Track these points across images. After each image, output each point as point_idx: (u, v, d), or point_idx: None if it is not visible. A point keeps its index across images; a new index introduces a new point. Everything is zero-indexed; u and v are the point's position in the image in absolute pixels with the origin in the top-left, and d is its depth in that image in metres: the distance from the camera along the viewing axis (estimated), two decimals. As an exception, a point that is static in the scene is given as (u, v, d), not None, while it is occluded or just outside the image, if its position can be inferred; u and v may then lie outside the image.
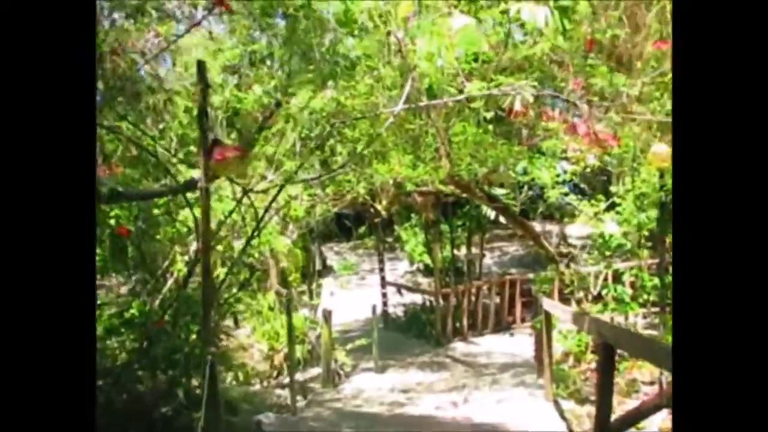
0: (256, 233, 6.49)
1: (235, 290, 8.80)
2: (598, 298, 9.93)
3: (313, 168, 9.07)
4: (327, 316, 8.69)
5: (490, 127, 9.04)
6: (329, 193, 8.85)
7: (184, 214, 7.07)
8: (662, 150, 6.60)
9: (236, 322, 10.64)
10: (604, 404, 4.21)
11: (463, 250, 14.79)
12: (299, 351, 10.49)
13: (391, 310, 14.14)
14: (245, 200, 6.55)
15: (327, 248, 23.36)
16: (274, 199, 6.39)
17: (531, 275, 13.52)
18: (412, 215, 18.72)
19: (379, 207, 8.56)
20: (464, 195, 10.13)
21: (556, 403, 6.64)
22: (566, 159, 10.00)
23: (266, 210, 6.68)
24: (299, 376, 10.40)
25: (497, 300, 12.72)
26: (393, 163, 8.20)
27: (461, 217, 15.39)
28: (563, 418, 6.13)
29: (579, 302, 9.61)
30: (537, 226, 22.88)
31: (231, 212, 6.66)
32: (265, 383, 10.27)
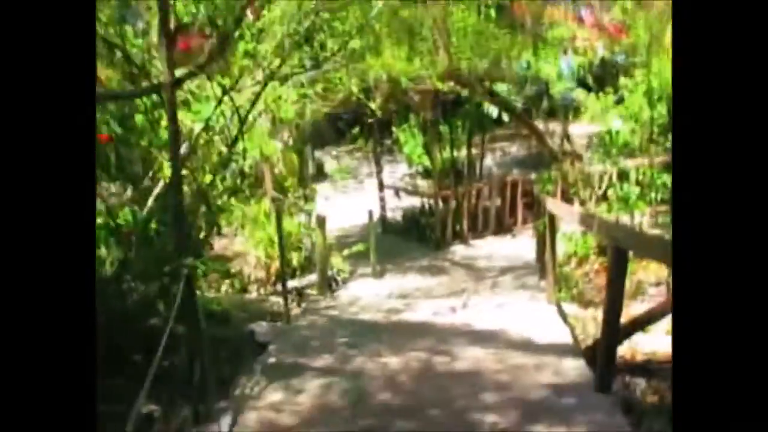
0: (239, 136, 6.05)
1: (226, 197, 8.46)
2: (603, 197, 9.60)
3: (301, 66, 8.50)
4: (321, 222, 8.36)
5: (492, 14, 8.41)
6: (320, 91, 8.30)
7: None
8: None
9: (220, 231, 10.29)
10: (612, 309, 3.92)
11: (463, 151, 14.32)
12: (295, 258, 10.27)
13: (389, 214, 13.84)
14: (229, 102, 6.09)
15: (324, 152, 22.88)
16: (258, 97, 5.90)
17: (533, 176, 13.17)
18: (411, 116, 18.12)
19: (373, 106, 8.03)
20: (464, 92, 9.57)
21: (559, 307, 6.40)
22: (574, 51, 9.40)
23: (249, 110, 6.22)
24: (296, 283, 10.22)
25: (498, 202, 12.39)
26: (386, 57, 7.62)
27: (461, 117, 14.83)
28: (566, 322, 5.89)
29: (583, 202, 9.27)
30: (540, 125, 22.38)
31: (212, 114, 6.20)
32: (262, 290, 10.10)
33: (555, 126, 20.80)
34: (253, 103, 5.82)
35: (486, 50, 8.26)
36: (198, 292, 7.50)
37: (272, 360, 5.43)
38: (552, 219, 6.41)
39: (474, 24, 8.10)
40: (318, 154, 21.95)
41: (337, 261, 9.20)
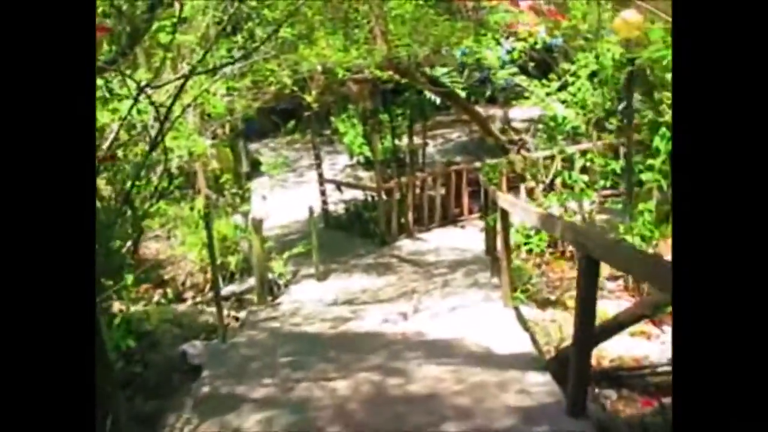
0: (160, 134, 5.42)
1: (152, 200, 7.79)
2: (549, 186, 9.32)
3: (229, 57, 7.86)
4: (257, 225, 7.77)
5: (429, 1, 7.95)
6: (249, 84, 7.67)
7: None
8: (632, 17, 5.71)
9: (139, 236, 9.57)
10: (584, 328, 3.52)
11: (405, 140, 13.88)
12: (233, 261, 9.67)
13: (331, 207, 13.27)
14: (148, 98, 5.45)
15: (262, 144, 22.10)
16: (179, 92, 5.29)
17: (478, 164, 12.81)
18: (350, 106, 17.56)
19: (309, 99, 7.44)
20: (404, 80, 9.09)
21: (517, 310, 6.01)
22: (515, 36, 9.03)
23: (171, 107, 5.57)
24: (235, 288, 9.62)
25: (442, 191, 11.97)
26: (320, 47, 7.06)
27: (401, 105, 14.37)
28: (525, 328, 5.52)
29: (530, 192, 8.94)
30: (479, 110, 22.13)
31: (128, 113, 5.55)
32: (198, 297, 9.47)
33: (495, 111, 20.66)
34: (175, 99, 5.20)
35: (425, 37, 7.77)
36: (123, 308, 6.91)
37: (206, 389, 4.87)
38: (505, 216, 6.00)
39: (412, 10, 7.61)
40: (255, 146, 21.19)
41: (277, 265, 8.62)
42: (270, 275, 8.76)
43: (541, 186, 9.08)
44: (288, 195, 14.91)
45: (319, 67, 7.10)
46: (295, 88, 7.60)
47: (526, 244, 7.24)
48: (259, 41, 7.53)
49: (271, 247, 9.24)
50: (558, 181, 9.31)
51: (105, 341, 3.35)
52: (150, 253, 11.34)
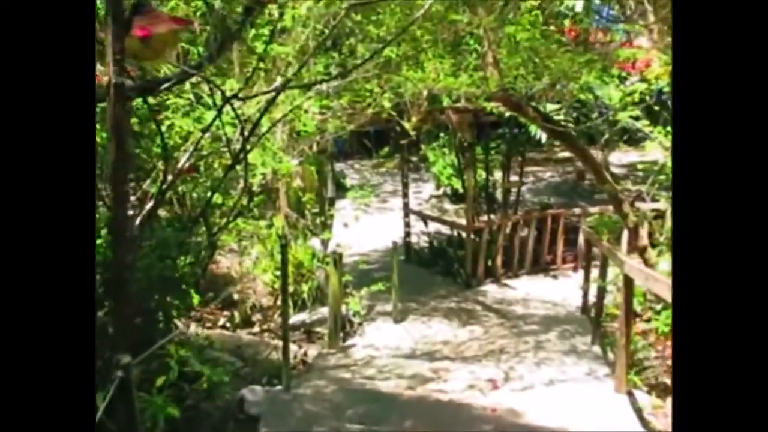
0: (242, 152, 4.85)
1: (230, 218, 7.27)
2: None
3: (326, 74, 7.28)
4: (337, 259, 7.09)
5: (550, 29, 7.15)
6: (344, 104, 7.06)
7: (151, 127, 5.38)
8: None
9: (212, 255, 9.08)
10: None
11: (497, 176, 13.02)
12: (306, 289, 9.05)
13: (413, 239, 12.56)
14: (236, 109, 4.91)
15: (347, 165, 21.69)
16: (267, 108, 4.71)
17: (577, 210, 11.83)
18: (441, 134, 16.86)
19: (407, 125, 6.76)
20: (513, 113, 8.29)
21: (630, 395, 5.06)
22: (639, 75, 8.12)
23: (258, 121, 5.02)
24: (305, 317, 9.01)
25: (534, 235, 11.02)
26: (428, 71, 6.37)
27: (496, 139, 13.54)
28: (644, 424, 4.56)
29: (643, 251, 7.92)
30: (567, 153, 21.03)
31: (211, 124, 5.01)
32: (266, 324, 8.90)
33: (593, 151, 19.51)
34: (263, 113, 4.63)
35: (542, 69, 6.96)
36: (185, 332, 6.35)
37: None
38: (629, 283, 5.06)
39: (529, 38, 6.82)
40: (339, 166, 20.80)
41: (353, 302, 7.91)
42: (344, 311, 8.10)
43: (651, 243, 8.04)
44: (369, 221, 14.27)
45: (425, 92, 6.41)
46: (394, 113, 6.92)
47: (649, 321, 6.25)
48: (361, 59, 6.91)
49: (348, 279, 8.56)
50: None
51: (136, 414, 2.67)
52: (222, 270, 10.94)
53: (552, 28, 7.71)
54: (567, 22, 8.69)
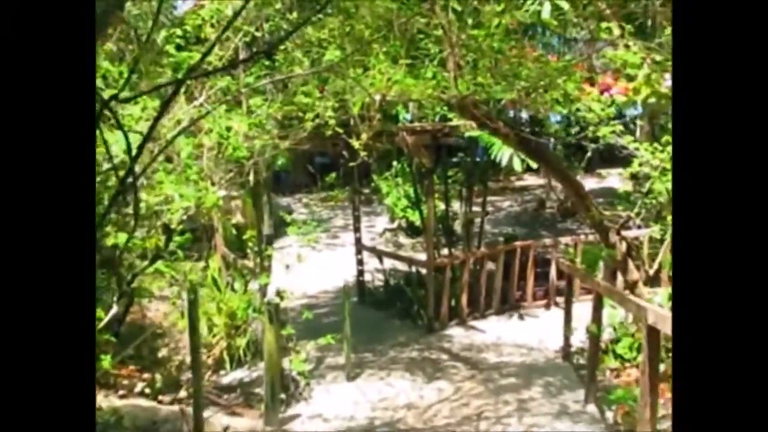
0: (130, 176, 3.58)
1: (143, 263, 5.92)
2: (654, 278, 7.27)
3: (257, 83, 6.06)
4: (272, 311, 5.77)
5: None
6: (279, 116, 5.79)
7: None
8: None
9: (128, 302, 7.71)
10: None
11: (457, 207, 11.91)
12: (241, 343, 7.71)
13: (368, 277, 11.29)
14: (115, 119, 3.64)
15: (294, 199, 20.38)
16: (161, 114, 3.46)
17: (547, 240, 10.77)
18: (394, 162, 15.75)
19: (356, 144, 5.53)
20: (478, 131, 7.19)
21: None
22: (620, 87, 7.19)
23: (147, 135, 3.76)
24: (244, 375, 7.67)
25: (502, 270, 9.86)
26: (379, 75, 5.19)
27: (455, 165, 12.46)
28: None
29: (633, 285, 6.84)
30: (538, 177, 20.10)
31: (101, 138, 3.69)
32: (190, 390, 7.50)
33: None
34: (155, 123, 3.38)
35: (513, 77, 5.87)
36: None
37: None
38: (654, 336, 3.87)
39: (497, 41, 5.75)
40: (287, 200, 19.47)
41: (296, 360, 6.55)
42: (286, 369, 6.79)
43: (643, 277, 6.99)
44: (319, 259, 12.95)
45: (377, 100, 5.21)
46: (339, 129, 5.71)
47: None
48: (300, 67, 5.72)
49: (292, 328, 7.22)
50: (665, 272, 7.30)
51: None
52: (154, 318, 9.51)
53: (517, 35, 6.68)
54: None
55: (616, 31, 5.53)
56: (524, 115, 8.10)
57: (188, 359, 8.29)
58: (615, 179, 19.00)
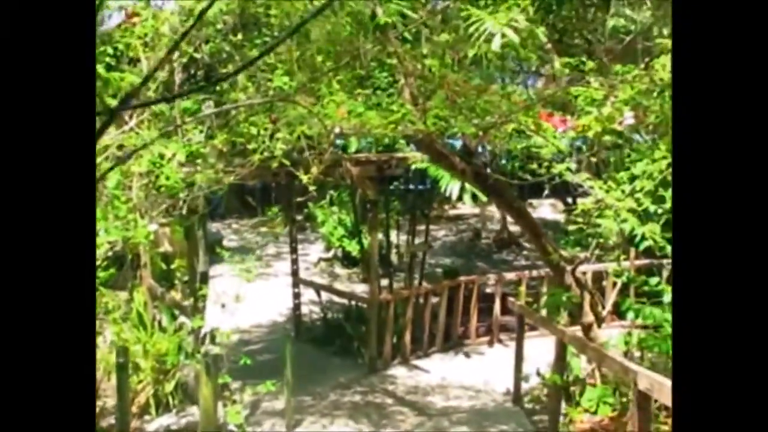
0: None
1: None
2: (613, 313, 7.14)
3: (196, 111, 5.56)
4: (210, 363, 5.21)
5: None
6: (221, 147, 5.30)
7: None
8: None
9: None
10: None
11: (392, 237, 11.55)
12: (169, 389, 7.08)
13: (304, 309, 10.77)
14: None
15: (224, 225, 19.62)
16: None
17: (491, 275, 10.52)
18: (330, 191, 15.31)
19: (304, 178, 5.08)
20: (424, 165, 6.87)
21: None
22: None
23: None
24: (171, 421, 7.05)
25: (444, 306, 9.52)
26: (333, 106, 4.79)
27: (397, 195, 12.13)
28: None
29: (588, 328, 6.62)
30: (473, 206, 20.00)
31: None
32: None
33: (492, 208, 18.59)
34: (114, 165, 2.86)
35: (471, 111, 5.59)
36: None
37: None
38: (645, 402, 3.55)
39: (452, 74, 5.48)
40: (216, 226, 18.69)
41: (232, 411, 5.96)
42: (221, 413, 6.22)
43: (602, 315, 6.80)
44: (250, 290, 12.38)
45: (337, 130, 4.80)
46: (286, 162, 5.26)
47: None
48: (243, 92, 5.26)
49: (226, 367, 6.66)
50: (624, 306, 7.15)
51: None
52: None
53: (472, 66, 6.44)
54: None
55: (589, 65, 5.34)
56: (479, 148, 7.84)
57: (109, 403, 7.63)
58: (546, 209, 19.27)
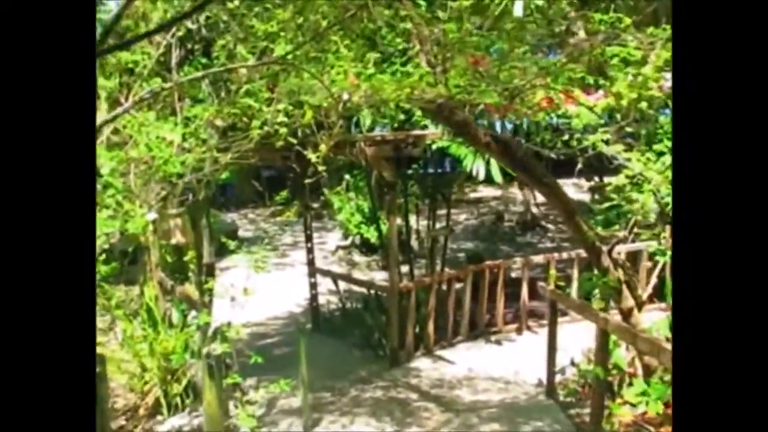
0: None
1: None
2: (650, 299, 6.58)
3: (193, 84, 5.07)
4: (213, 365, 4.74)
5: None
6: (219, 125, 4.81)
7: None
8: None
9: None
10: None
11: (412, 222, 11.03)
12: (178, 390, 6.66)
13: (321, 299, 10.30)
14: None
15: (240, 215, 19.22)
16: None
17: (517, 259, 9.97)
18: (346, 175, 14.80)
19: (313, 157, 4.57)
20: (458, 139, 6.31)
21: None
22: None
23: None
24: (183, 422, 6.63)
25: (469, 293, 9.00)
26: (339, 69, 4.27)
27: (413, 176, 11.56)
28: None
29: (628, 313, 6.06)
30: (495, 189, 19.33)
31: None
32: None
33: (515, 189, 17.97)
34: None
35: (495, 78, 5.03)
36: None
37: None
38: None
39: (475, 37, 4.92)
40: (232, 216, 18.29)
41: (243, 414, 5.50)
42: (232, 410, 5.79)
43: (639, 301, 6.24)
44: (266, 281, 11.93)
45: (345, 96, 4.27)
46: (292, 140, 4.75)
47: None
48: (241, 60, 4.75)
49: (238, 363, 6.21)
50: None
51: None
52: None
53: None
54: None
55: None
56: (497, 123, 7.26)
57: (120, 402, 7.26)
58: (569, 189, 18.62)
